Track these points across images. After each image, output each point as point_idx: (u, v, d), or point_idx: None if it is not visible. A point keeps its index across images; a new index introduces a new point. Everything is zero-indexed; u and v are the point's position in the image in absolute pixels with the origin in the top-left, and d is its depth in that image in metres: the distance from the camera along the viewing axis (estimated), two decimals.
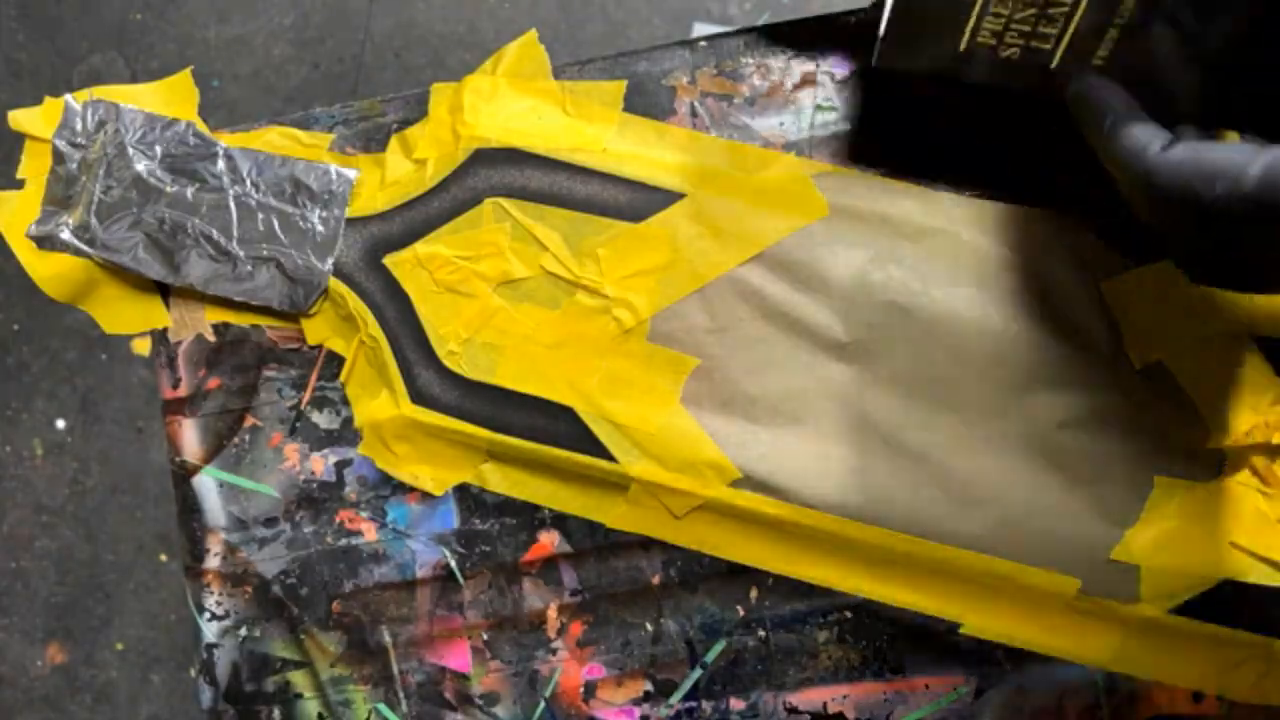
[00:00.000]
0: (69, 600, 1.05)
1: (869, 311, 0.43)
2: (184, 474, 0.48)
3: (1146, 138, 0.33)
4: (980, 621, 0.45)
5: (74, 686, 1.04)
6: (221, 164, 0.47)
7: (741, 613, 0.46)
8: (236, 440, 0.48)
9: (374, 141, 0.48)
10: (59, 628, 1.05)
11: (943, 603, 0.45)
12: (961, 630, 0.45)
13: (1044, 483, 0.44)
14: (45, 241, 0.47)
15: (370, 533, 0.47)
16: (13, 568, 1.05)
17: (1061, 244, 0.43)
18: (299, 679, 0.47)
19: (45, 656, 1.05)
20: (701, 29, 1.00)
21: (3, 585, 1.05)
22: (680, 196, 0.45)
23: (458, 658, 0.47)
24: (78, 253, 0.47)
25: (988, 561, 0.44)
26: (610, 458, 0.45)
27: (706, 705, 0.46)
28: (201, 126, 0.47)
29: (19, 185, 0.48)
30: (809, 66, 0.46)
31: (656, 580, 0.46)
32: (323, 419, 0.48)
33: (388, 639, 0.47)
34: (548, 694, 0.47)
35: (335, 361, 0.48)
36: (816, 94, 0.46)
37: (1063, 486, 0.44)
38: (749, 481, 0.45)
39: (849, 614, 0.46)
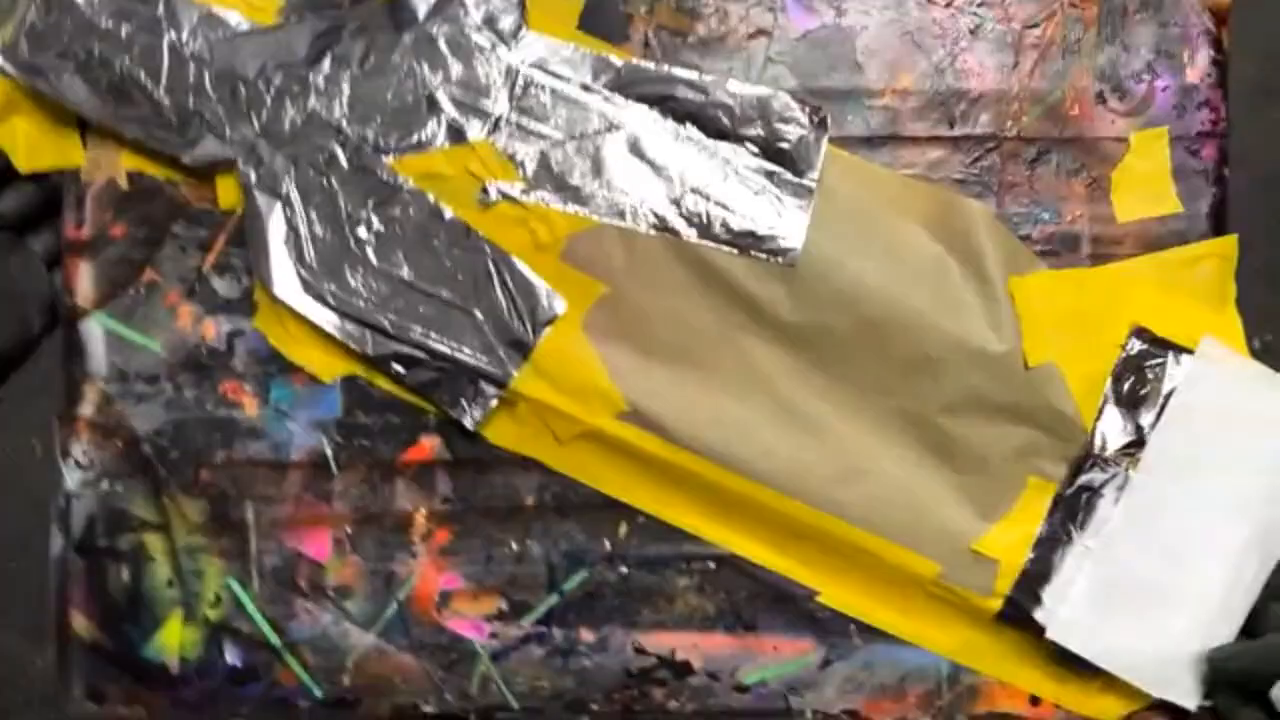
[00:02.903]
0: None
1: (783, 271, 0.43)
2: (72, 317, 0.47)
3: None
4: (838, 592, 0.45)
5: None
6: (162, 8, 0.45)
7: (608, 546, 0.46)
8: (131, 291, 0.47)
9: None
10: None
11: (805, 568, 0.45)
12: (818, 598, 0.45)
13: (920, 464, 0.44)
14: None
15: (251, 407, 0.47)
16: (11, 567, 1.03)
17: (986, 235, 0.44)
18: (154, 542, 0.47)
19: (45, 656, 1.03)
20: None
21: (2, 585, 1.03)
22: None
23: (317, 546, 0.46)
24: (1, 72, 0.45)
25: (854, 533, 0.44)
26: None
27: (557, 632, 0.46)
28: None
29: None
30: (767, 18, 0.46)
31: (530, 501, 0.46)
32: (222, 285, 0.47)
33: (250, 515, 0.46)
34: (401, 596, 0.46)
35: None
36: (770, 46, 0.46)
37: (937, 470, 0.44)
38: (636, 416, 0.44)
39: (712, 565, 0.46)
